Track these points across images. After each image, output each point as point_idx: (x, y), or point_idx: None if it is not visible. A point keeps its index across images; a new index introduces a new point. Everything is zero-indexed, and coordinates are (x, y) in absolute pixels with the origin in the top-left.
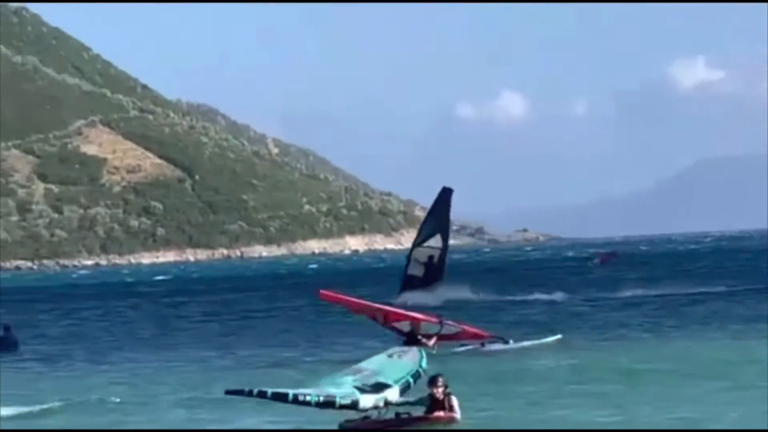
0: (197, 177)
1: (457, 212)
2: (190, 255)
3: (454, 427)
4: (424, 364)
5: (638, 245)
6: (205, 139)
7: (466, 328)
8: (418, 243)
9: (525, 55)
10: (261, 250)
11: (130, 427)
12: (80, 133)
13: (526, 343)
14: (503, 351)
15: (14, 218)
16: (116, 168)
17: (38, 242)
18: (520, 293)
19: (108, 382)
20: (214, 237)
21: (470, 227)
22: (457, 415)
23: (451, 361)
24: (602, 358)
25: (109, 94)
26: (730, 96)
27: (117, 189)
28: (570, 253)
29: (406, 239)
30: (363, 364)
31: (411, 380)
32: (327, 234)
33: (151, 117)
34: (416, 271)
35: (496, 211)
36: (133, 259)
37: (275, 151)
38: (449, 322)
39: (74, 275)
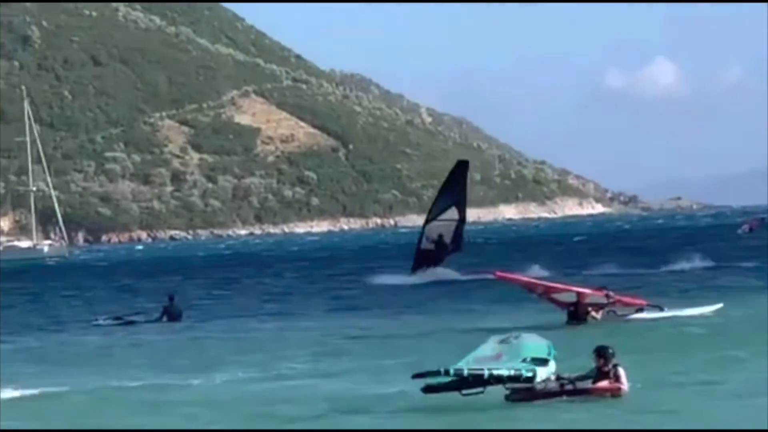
0: (351, 146)
1: (610, 182)
2: (344, 224)
3: (620, 397)
4: (553, 350)
5: None
6: (358, 109)
7: (623, 297)
8: (429, 219)
9: (678, 23)
10: (415, 219)
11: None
12: (234, 104)
13: (686, 310)
14: (660, 318)
15: (169, 188)
16: (270, 138)
17: (192, 212)
18: (666, 264)
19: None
20: (368, 206)
21: (624, 195)
22: (624, 386)
23: (616, 332)
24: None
25: (262, 63)
26: None
27: (271, 159)
28: (716, 222)
29: (560, 207)
30: (501, 339)
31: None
32: (480, 203)
33: (304, 87)
34: (429, 245)
35: (654, 181)
36: (287, 229)
37: (428, 120)
38: (611, 293)
39: (224, 246)
